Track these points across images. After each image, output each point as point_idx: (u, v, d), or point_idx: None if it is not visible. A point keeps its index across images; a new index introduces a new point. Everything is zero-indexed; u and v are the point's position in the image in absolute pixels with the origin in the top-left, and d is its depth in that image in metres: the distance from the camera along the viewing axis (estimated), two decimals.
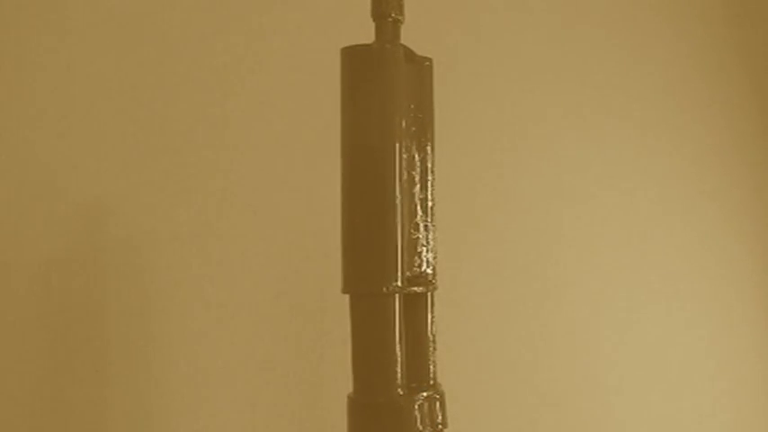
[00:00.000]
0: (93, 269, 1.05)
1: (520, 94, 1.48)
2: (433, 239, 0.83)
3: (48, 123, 1.04)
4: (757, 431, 1.75)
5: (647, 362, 1.60)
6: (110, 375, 1.05)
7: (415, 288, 0.80)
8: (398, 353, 0.77)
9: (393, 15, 0.82)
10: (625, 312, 1.58)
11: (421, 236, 0.81)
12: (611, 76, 1.61)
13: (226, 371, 1.13)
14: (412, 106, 0.81)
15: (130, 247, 1.08)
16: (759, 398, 1.78)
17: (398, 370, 0.77)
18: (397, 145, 0.78)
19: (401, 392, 0.77)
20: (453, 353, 1.00)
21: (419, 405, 0.78)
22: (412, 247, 0.80)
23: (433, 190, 0.83)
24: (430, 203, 0.83)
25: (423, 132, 0.83)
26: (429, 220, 0.83)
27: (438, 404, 0.81)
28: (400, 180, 0.78)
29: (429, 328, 0.83)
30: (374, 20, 0.82)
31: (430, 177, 0.83)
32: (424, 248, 0.81)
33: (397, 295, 0.77)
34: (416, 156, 0.81)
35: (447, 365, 0.86)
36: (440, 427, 0.81)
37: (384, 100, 0.78)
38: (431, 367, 0.83)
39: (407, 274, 0.79)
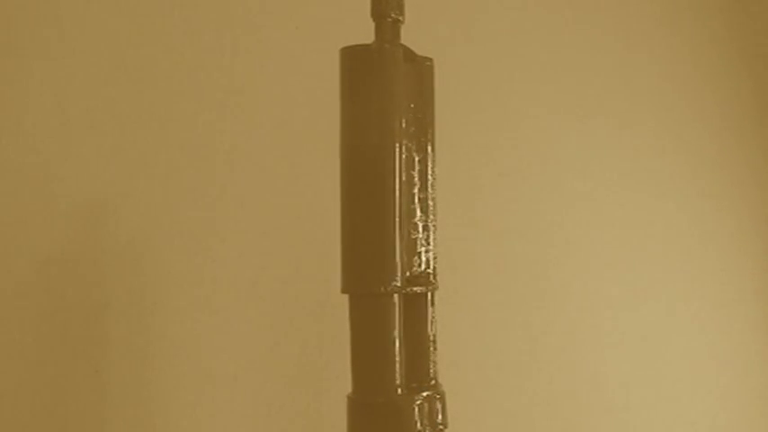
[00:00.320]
0: (93, 269, 1.05)
1: (520, 94, 1.48)
2: (434, 239, 0.83)
3: (48, 123, 1.04)
4: (757, 431, 1.75)
5: (648, 362, 1.60)
6: (110, 375, 1.05)
7: (415, 288, 0.80)
8: (398, 353, 0.77)
9: (393, 15, 0.82)
10: (625, 312, 1.58)
11: (420, 236, 0.81)
12: (612, 75, 1.61)
13: (226, 371, 1.13)
14: (411, 106, 0.81)
15: (130, 246, 1.08)
16: (759, 398, 1.78)
17: (398, 370, 0.77)
18: (397, 145, 0.78)
19: (400, 392, 0.77)
20: (454, 353, 1.00)
21: (419, 405, 0.78)
22: (411, 247, 0.80)
23: (433, 190, 0.83)
24: (430, 203, 0.83)
25: (423, 132, 0.83)
26: (429, 219, 0.83)
27: (438, 404, 0.81)
28: (399, 180, 0.78)
29: (429, 327, 0.83)
30: (374, 20, 0.82)
31: (430, 177, 0.83)
32: (424, 248, 0.81)
33: (396, 295, 0.77)
34: (416, 156, 0.81)
35: (447, 365, 0.86)
36: (440, 427, 0.81)
37: (383, 100, 0.78)
38: (431, 367, 0.83)
39: (407, 274, 0.79)
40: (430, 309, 0.83)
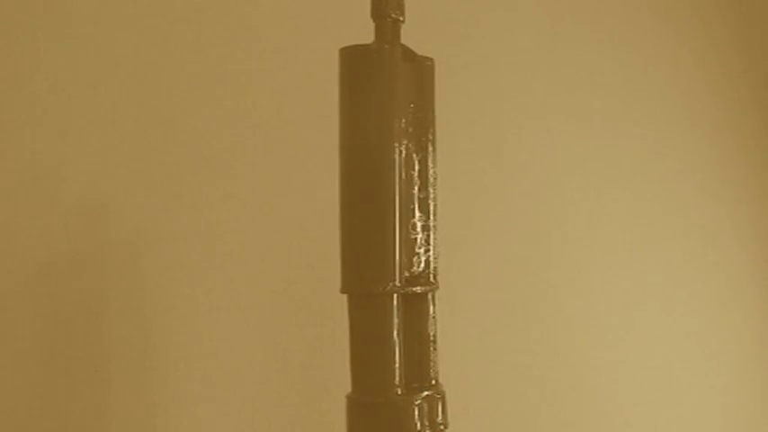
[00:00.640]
0: (93, 269, 1.05)
1: (521, 94, 1.48)
2: (434, 239, 0.83)
3: (48, 123, 1.04)
4: (756, 430, 1.75)
5: (647, 361, 1.60)
6: (110, 375, 1.05)
7: (415, 288, 0.80)
8: (397, 353, 0.77)
9: (393, 15, 0.81)
10: (625, 311, 1.58)
11: (420, 236, 0.81)
12: (612, 76, 1.61)
13: (226, 371, 1.13)
14: (411, 106, 0.81)
15: (130, 246, 1.08)
16: (759, 397, 1.78)
17: (397, 370, 0.77)
18: (396, 145, 0.78)
19: (400, 392, 0.77)
20: (454, 353, 1.00)
21: (418, 405, 0.78)
22: (410, 247, 0.80)
23: (434, 190, 0.83)
24: (431, 203, 0.83)
25: (423, 132, 0.83)
26: (429, 219, 0.82)
27: (439, 404, 0.81)
28: (398, 180, 0.78)
29: (430, 327, 0.83)
30: (374, 20, 0.82)
31: (431, 177, 0.83)
32: (424, 248, 0.81)
33: (395, 295, 0.77)
34: (415, 156, 0.81)
35: (447, 365, 0.86)
36: (441, 427, 0.81)
37: (382, 100, 0.78)
38: (432, 367, 0.83)
39: (406, 274, 0.79)
40: (430, 309, 0.83)
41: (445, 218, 0.88)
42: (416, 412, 0.77)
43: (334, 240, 0.80)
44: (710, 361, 1.71)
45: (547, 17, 1.53)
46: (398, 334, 0.77)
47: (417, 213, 0.81)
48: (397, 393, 0.76)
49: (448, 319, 0.92)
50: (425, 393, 0.80)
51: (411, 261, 0.80)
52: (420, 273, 0.81)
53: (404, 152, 0.79)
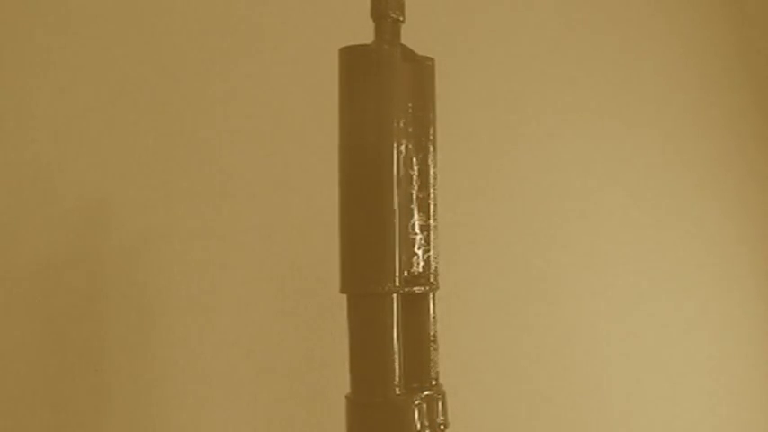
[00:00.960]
0: (93, 269, 1.05)
1: (521, 94, 1.48)
2: (435, 239, 0.83)
3: (48, 123, 1.04)
4: (756, 430, 1.75)
5: (647, 360, 1.60)
6: (110, 375, 1.05)
7: (416, 288, 0.80)
8: (396, 352, 0.77)
9: (393, 15, 0.81)
10: (625, 311, 1.58)
11: (420, 236, 0.81)
12: (612, 76, 1.61)
13: (225, 371, 1.13)
14: (410, 106, 0.81)
15: (130, 247, 1.08)
16: (759, 397, 1.77)
17: (396, 370, 0.76)
18: (395, 145, 0.78)
19: (399, 392, 0.77)
20: (454, 353, 1.00)
21: (418, 405, 0.78)
22: (409, 247, 0.80)
23: (434, 190, 0.83)
24: (431, 203, 0.83)
25: (423, 132, 0.82)
26: (429, 219, 0.82)
27: (439, 404, 0.81)
28: (397, 180, 0.78)
29: (430, 327, 0.83)
30: (374, 20, 0.82)
31: (431, 177, 0.83)
32: (423, 248, 0.81)
33: (394, 295, 0.77)
34: (415, 155, 0.81)
35: (447, 365, 0.86)
36: (441, 427, 0.81)
37: (381, 100, 0.78)
38: (432, 367, 0.82)
39: (405, 274, 0.79)
40: (431, 309, 0.83)
41: (445, 218, 0.88)
42: (416, 412, 0.77)
43: (333, 240, 0.80)
44: (712, 360, 1.71)
45: (547, 17, 1.53)
46: (398, 334, 0.77)
47: (417, 213, 0.81)
48: (396, 393, 0.76)
49: (448, 319, 0.92)
50: (425, 393, 0.80)
51: (410, 261, 0.80)
52: (420, 273, 0.81)
53: (403, 152, 0.79)
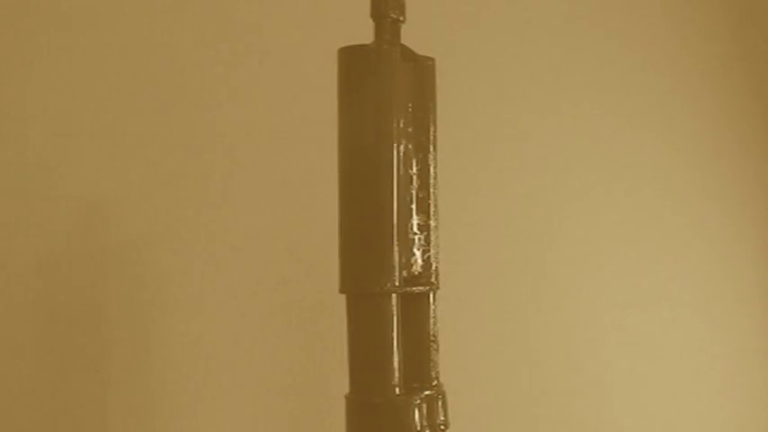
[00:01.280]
0: (93, 269, 1.05)
1: (521, 95, 1.48)
2: (435, 239, 0.82)
3: (48, 123, 1.04)
4: (756, 430, 1.75)
5: (647, 361, 1.60)
6: (110, 375, 1.05)
7: (416, 288, 0.80)
8: (395, 353, 0.76)
9: (393, 15, 0.81)
10: (625, 311, 1.58)
11: (420, 236, 0.81)
12: (612, 76, 1.61)
13: (225, 370, 1.13)
14: (410, 106, 0.81)
15: (130, 246, 1.08)
16: (759, 397, 1.77)
17: (395, 369, 0.76)
18: (394, 145, 0.78)
19: (399, 392, 0.77)
20: (454, 353, 1.00)
21: (417, 405, 0.78)
22: (409, 247, 0.79)
23: (434, 189, 0.83)
24: (431, 203, 0.82)
25: (423, 132, 0.82)
26: (430, 219, 0.82)
27: (439, 404, 0.81)
28: (397, 180, 0.78)
29: (431, 327, 0.83)
30: (374, 20, 0.82)
31: (431, 177, 0.83)
32: (423, 248, 0.81)
33: (394, 295, 0.77)
34: (415, 155, 0.81)
35: (447, 365, 0.86)
36: (441, 427, 0.81)
37: (380, 100, 0.78)
38: (432, 367, 0.82)
39: (404, 274, 0.78)
40: (431, 309, 0.83)
41: (446, 218, 0.88)
42: (415, 412, 0.77)
43: (332, 241, 0.80)
44: (712, 360, 1.70)
45: (547, 17, 1.53)
46: (397, 334, 0.77)
47: (417, 213, 0.81)
48: (395, 393, 0.76)
49: (449, 319, 0.92)
50: (425, 393, 0.79)
51: (409, 261, 0.80)
52: (420, 273, 0.81)
53: (402, 152, 0.79)
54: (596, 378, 1.52)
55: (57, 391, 1.02)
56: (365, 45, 0.80)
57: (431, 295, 0.83)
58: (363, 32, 0.83)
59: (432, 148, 0.83)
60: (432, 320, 0.83)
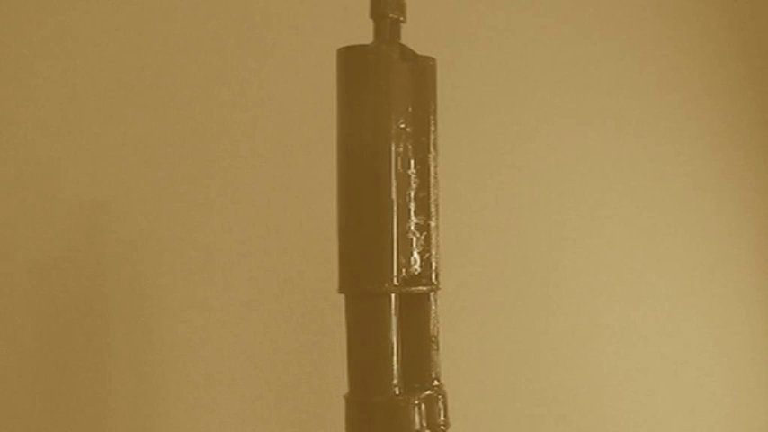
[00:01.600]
0: (93, 269, 1.06)
1: (521, 95, 1.48)
2: (436, 239, 0.82)
3: (48, 123, 1.04)
4: (756, 429, 1.75)
5: (647, 361, 1.60)
6: (110, 375, 1.05)
7: (415, 288, 0.80)
8: (394, 352, 0.76)
9: (392, 15, 0.81)
10: (626, 311, 1.58)
11: (419, 236, 0.81)
12: (612, 76, 1.60)
13: (225, 371, 1.13)
14: (410, 106, 0.81)
15: (130, 247, 1.08)
16: (758, 397, 1.77)
17: (395, 370, 0.76)
18: (393, 145, 0.78)
19: (398, 392, 0.76)
20: (455, 353, 1.00)
21: (417, 405, 0.77)
22: (408, 247, 0.79)
23: (435, 190, 0.82)
24: (431, 203, 0.82)
25: (423, 132, 0.82)
26: (430, 219, 0.82)
27: (440, 404, 0.81)
28: (395, 180, 0.78)
29: (431, 328, 0.83)
30: (373, 20, 0.82)
31: (431, 177, 0.82)
32: (423, 248, 0.81)
33: (393, 295, 0.77)
34: (414, 156, 0.81)
35: (448, 365, 0.86)
36: (442, 427, 0.81)
37: (378, 100, 0.78)
38: (433, 367, 0.82)
39: (404, 274, 0.78)
40: (432, 309, 0.83)
41: (446, 218, 0.88)
42: (415, 412, 0.77)
43: (332, 241, 0.80)
44: (712, 360, 1.70)
45: (547, 17, 1.53)
46: (396, 334, 0.77)
47: (416, 213, 0.80)
48: (394, 393, 0.76)
49: (449, 319, 0.92)
50: (425, 393, 0.79)
51: (409, 261, 0.79)
52: (420, 273, 0.81)
53: (401, 152, 0.79)
54: (596, 378, 1.52)
55: (57, 391, 1.02)
56: (364, 45, 0.80)
57: (431, 295, 0.83)
58: (363, 32, 0.83)
59: (432, 148, 0.83)
60: (432, 320, 0.83)
